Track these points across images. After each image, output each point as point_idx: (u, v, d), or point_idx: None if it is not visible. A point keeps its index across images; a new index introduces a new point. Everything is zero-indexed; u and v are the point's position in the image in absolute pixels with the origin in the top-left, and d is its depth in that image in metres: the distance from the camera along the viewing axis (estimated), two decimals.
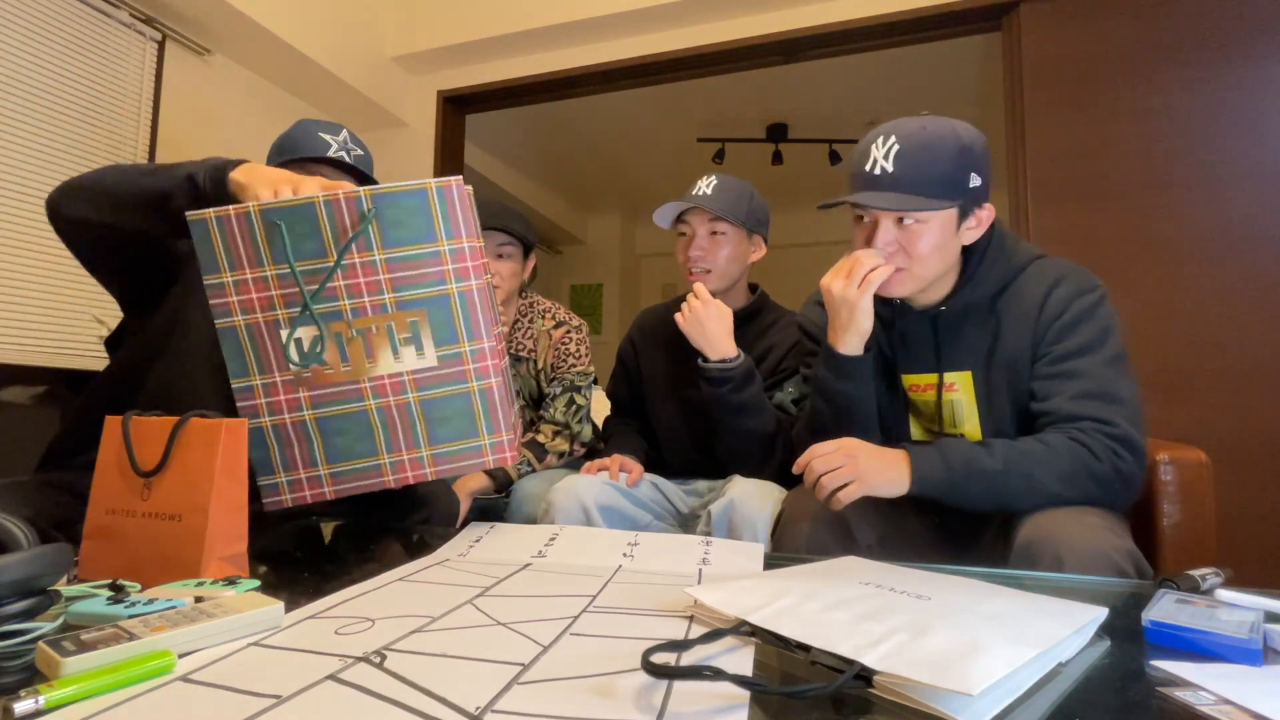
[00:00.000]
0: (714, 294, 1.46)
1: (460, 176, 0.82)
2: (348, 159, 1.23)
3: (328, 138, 1.28)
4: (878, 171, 0.99)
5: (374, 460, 0.82)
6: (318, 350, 0.80)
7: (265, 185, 0.82)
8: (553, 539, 0.88)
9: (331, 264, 0.79)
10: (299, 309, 0.79)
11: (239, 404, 0.80)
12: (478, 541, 0.88)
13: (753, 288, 1.56)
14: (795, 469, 0.99)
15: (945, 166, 0.97)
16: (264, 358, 0.79)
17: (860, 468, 0.93)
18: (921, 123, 1.01)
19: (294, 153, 1.21)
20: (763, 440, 1.32)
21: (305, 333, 0.80)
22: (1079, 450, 0.93)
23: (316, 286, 0.79)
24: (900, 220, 1.00)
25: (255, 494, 0.76)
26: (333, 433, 0.81)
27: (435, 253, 0.81)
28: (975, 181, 0.99)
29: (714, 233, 1.42)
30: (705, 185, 1.43)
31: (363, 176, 1.24)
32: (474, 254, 0.82)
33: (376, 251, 0.80)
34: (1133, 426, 0.94)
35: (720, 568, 0.78)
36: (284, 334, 0.79)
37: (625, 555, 0.82)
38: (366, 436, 0.81)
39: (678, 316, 1.34)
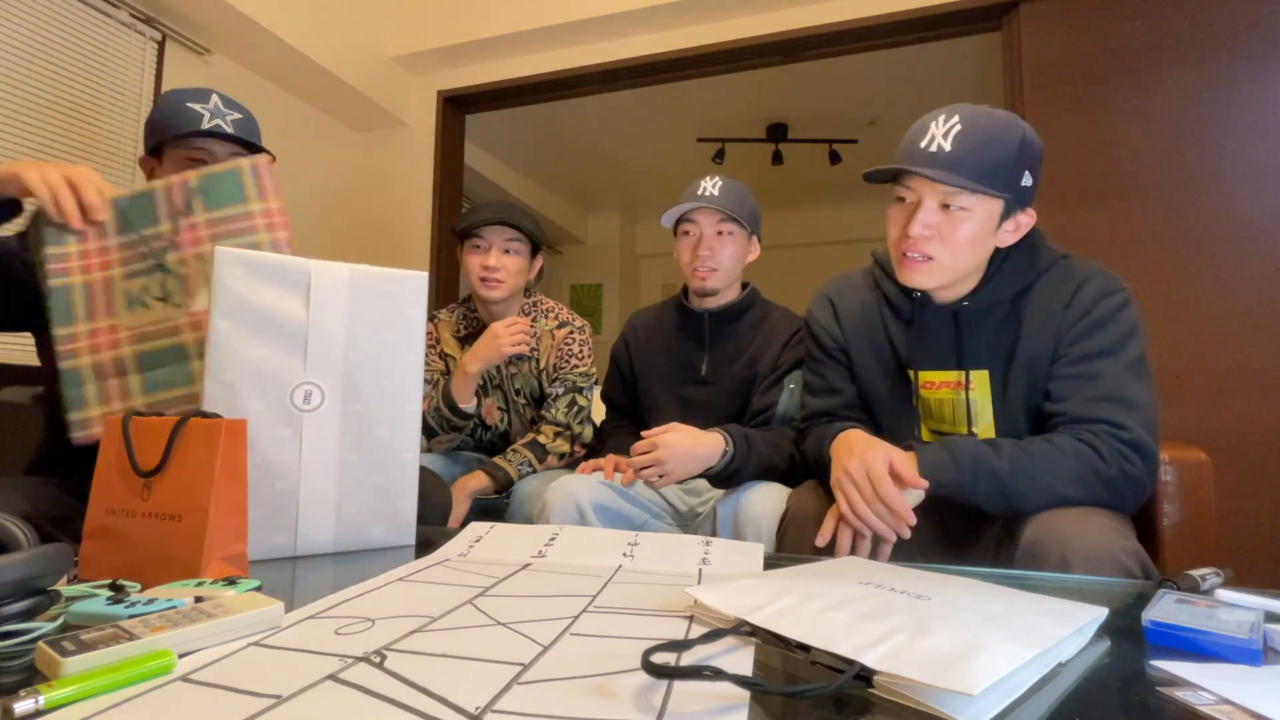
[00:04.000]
0: (716, 292, 1.47)
1: (266, 155, 1.08)
2: (226, 127, 1.19)
3: (197, 107, 1.20)
4: (934, 149, 0.96)
5: (188, 389, 0.96)
6: (145, 298, 0.95)
7: (37, 176, 0.92)
8: (553, 539, 0.88)
9: (167, 230, 0.99)
10: (141, 265, 0.97)
11: (59, 349, 0.91)
12: (478, 541, 0.88)
13: (743, 285, 1.57)
14: (820, 541, 0.98)
15: (1003, 157, 0.95)
16: (93, 306, 0.94)
17: (871, 502, 0.93)
18: (986, 109, 0.98)
19: (168, 132, 1.17)
20: (780, 475, 1.31)
21: (136, 284, 0.97)
22: (1087, 452, 0.92)
23: (161, 245, 0.98)
24: (945, 205, 0.97)
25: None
26: (153, 365, 0.95)
27: (247, 212, 1.02)
28: (1027, 181, 0.97)
29: (720, 232, 1.43)
30: (711, 186, 1.44)
31: (247, 144, 1.20)
32: (280, 212, 1.04)
33: (199, 214, 1.00)
34: (1146, 432, 0.93)
35: (720, 568, 0.78)
36: (119, 288, 0.96)
37: (625, 555, 0.82)
38: (182, 364, 0.96)
39: (645, 472, 1.21)
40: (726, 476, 1.25)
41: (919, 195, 0.99)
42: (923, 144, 0.97)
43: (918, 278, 1.02)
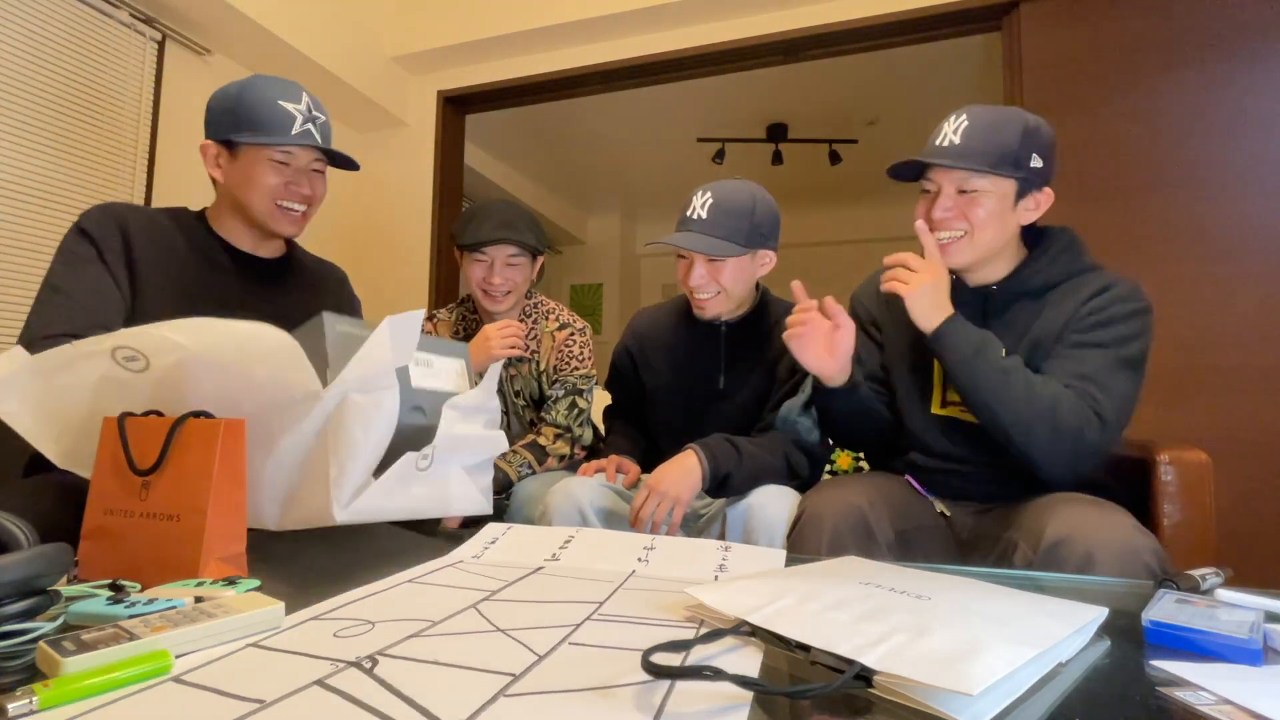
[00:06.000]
0: (722, 314, 1.40)
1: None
2: (315, 133, 1.16)
3: (289, 107, 1.13)
4: (946, 144, 1.09)
5: None
6: None
7: None
8: (568, 541, 0.87)
9: None
10: None
11: None
12: (493, 543, 0.87)
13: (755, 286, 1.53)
14: (887, 260, 1.13)
15: (1007, 141, 1.06)
16: None
17: (921, 281, 1.08)
18: (994, 107, 1.11)
19: (255, 131, 1.11)
20: (779, 474, 1.30)
21: None
22: (1062, 394, 1.00)
23: None
24: (962, 191, 1.09)
25: None
26: None
27: None
28: (1036, 162, 1.08)
29: (712, 260, 1.34)
30: (700, 206, 1.32)
31: (330, 154, 1.19)
32: None
33: None
34: (1113, 414, 1.00)
35: (738, 574, 0.76)
36: None
37: (640, 560, 0.80)
38: None
39: (659, 515, 1.20)
40: (720, 484, 1.24)
41: (939, 185, 1.11)
42: (938, 141, 1.11)
43: (950, 259, 1.12)
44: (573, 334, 1.69)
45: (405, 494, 0.82)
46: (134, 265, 1.10)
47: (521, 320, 1.69)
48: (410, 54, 3.02)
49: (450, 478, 0.91)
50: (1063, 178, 2.16)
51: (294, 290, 1.28)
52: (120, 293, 1.08)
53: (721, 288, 1.35)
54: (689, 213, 1.35)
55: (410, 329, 0.81)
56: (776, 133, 4.46)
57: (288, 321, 1.17)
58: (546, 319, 1.71)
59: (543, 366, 1.67)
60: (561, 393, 1.64)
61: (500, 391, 1.69)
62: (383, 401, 0.77)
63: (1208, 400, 2.00)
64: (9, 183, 1.95)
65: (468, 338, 1.68)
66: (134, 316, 1.09)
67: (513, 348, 1.51)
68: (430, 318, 1.79)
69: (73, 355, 0.78)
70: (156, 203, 2.30)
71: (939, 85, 3.71)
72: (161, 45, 2.34)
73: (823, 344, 1.13)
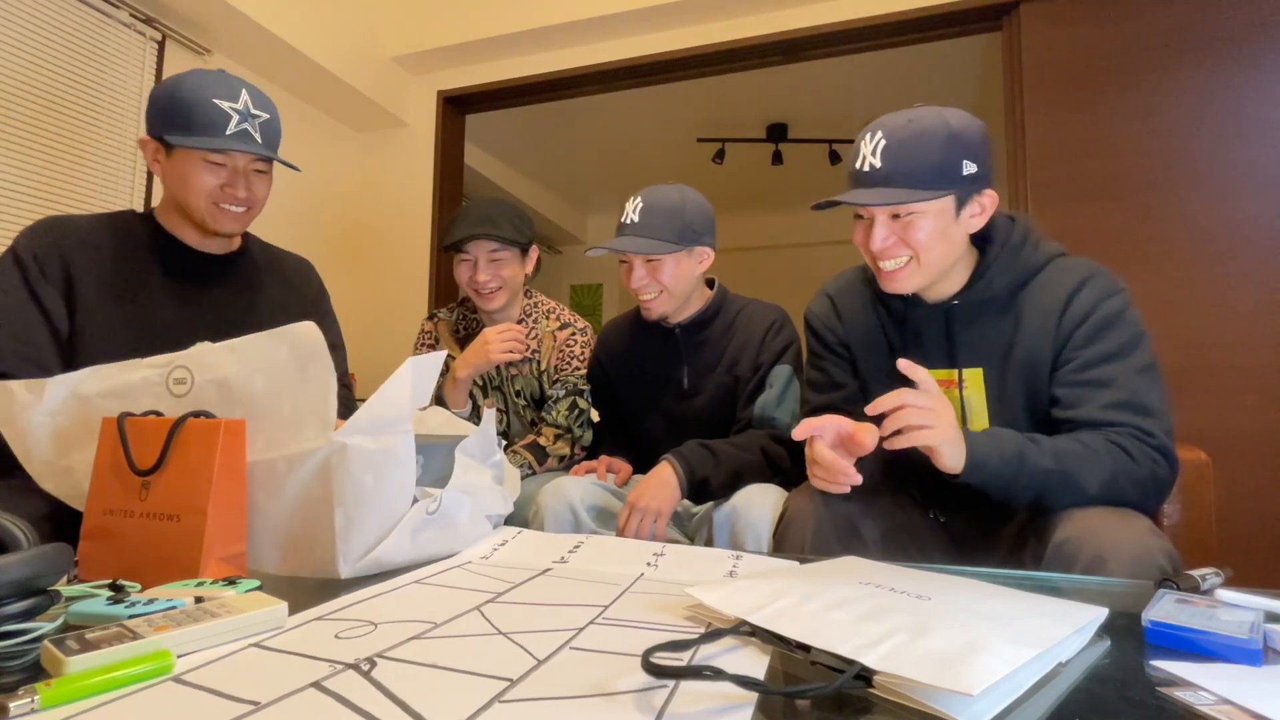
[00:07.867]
0: (667, 315, 1.44)
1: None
2: (253, 133, 1.11)
3: (225, 106, 1.08)
4: (867, 169, 0.99)
5: None
6: None
7: None
8: (578, 545, 0.87)
9: None
10: None
11: None
12: (502, 545, 0.88)
13: (710, 283, 1.53)
14: (882, 407, 0.90)
15: (933, 156, 0.96)
16: None
17: (943, 417, 0.89)
18: (909, 115, 1.00)
19: (186, 130, 1.07)
20: (760, 470, 1.31)
21: None
22: (1119, 455, 0.91)
23: None
24: (895, 215, 1.00)
25: None
26: None
27: None
28: (969, 169, 0.98)
29: (650, 260, 1.39)
30: (633, 211, 1.38)
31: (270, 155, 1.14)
32: None
33: None
34: (1165, 434, 0.94)
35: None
36: None
37: (649, 565, 0.80)
38: None
39: (643, 527, 1.21)
40: (699, 488, 1.25)
41: (870, 212, 1.02)
42: (858, 165, 1.01)
43: (898, 285, 1.04)
44: (574, 334, 1.69)
45: (414, 544, 0.79)
46: (72, 281, 1.09)
47: (521, 320, 1.69)
48: (410, 54, 3.02)
49: (460, 517, 0.86)
50: (1061, 178, 2.19)
51: (247, 285, 1.26)
52: (48, 319, 1.06)
53: (663, 286, 1.39)
54: (623, 219, 1.39)
55: (430, 370, 0.78)
56: (776, 133, 4.45)
57: (237, 316, 1.15)
58: (547, 318, 1.71)
59: (543, 366, 1.67)
60: (562, 393, 1.64)
61: (500, 391, 1.69)
62: (396, 447, 0.73)
63: (1208, 400, 2.00)
64: (9, 183, 1.95)
65: (468, 338, 1.68)
66: (75, 332, 1.08)
67: (511, 352, 1.50)
68: (431, 317, 1.79)
69: (130, 369, 0.80)
70: (156, 203, 2.30)
71: (939, 85, 3.71)
72: (161, 45, 2.34)
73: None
